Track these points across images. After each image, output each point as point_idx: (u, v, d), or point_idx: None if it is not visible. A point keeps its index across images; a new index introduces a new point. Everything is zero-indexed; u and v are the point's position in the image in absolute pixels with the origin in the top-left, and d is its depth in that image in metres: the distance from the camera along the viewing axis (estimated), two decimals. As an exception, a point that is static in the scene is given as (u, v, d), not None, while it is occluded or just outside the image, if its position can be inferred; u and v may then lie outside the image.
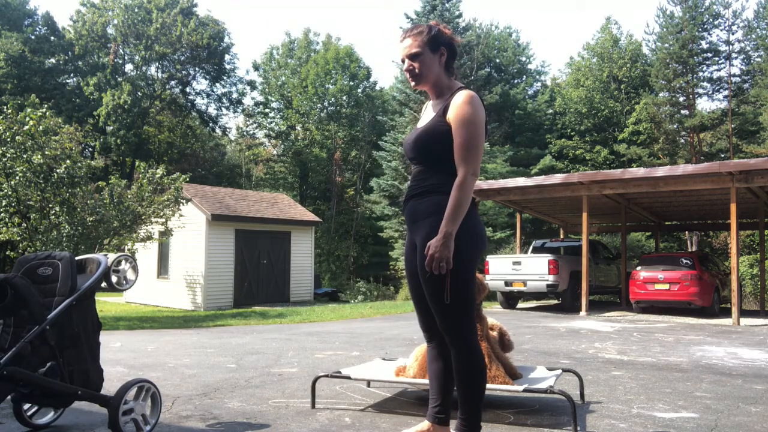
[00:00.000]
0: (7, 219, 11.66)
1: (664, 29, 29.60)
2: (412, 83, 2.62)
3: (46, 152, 11.14)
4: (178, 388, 4.26)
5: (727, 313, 11.90)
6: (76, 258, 3.12)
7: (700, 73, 29.51)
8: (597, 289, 14.69)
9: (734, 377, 4.98)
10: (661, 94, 29.85)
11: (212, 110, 38.27)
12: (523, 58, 36.27)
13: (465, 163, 2.44)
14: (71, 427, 3.21)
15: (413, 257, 2.65)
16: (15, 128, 10.96)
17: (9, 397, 2.77)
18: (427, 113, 2.71)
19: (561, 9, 71.92)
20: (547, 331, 8.71)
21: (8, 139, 10.90)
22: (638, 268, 12.76)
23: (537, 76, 37.45)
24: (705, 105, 49.80)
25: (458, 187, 2.41)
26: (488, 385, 2.90)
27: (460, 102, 2.49)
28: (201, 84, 54.55)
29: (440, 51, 2.57)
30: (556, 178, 13.20)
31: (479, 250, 2.53)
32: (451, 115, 2.49)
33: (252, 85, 38.24)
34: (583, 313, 12.07)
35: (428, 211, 2.51)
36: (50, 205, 11.39)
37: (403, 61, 2.60)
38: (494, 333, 3.83)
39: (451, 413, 2.77)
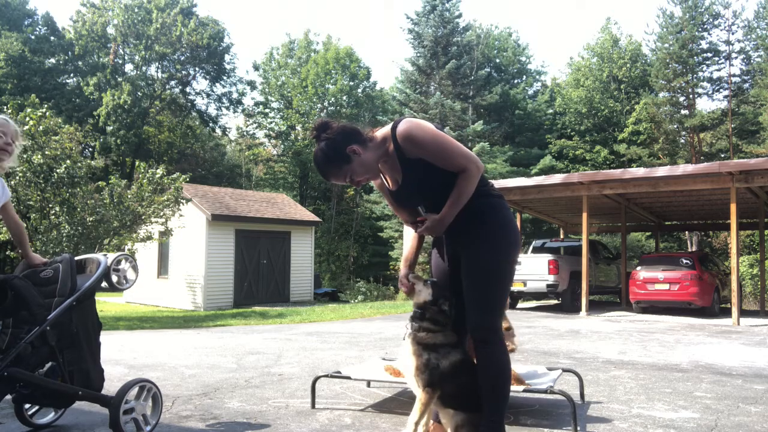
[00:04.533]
0: (7, 219, 11.64)
1: (664, 29, 29.60)
2: (376, 181, 2.70)
3: (46, 152, 11.14)
4: (178, 388, 4.26)
5: (727, 313, 11.90)
6: (76, 258, 3.12)
7: (700, 73, 29.52)
8: (597, 289, 14.68)
9: (734, 377, 4.98)
10: (661, 94, 29.86)
11: (212, 110, 38.32)
12: (523, 58, 36.28)
13: (465, 163, 2.46)
14: (72, 427, 3.21)
15: (443, 262, 2.75)
16: (15, 128, 10.95)
17: (10, 397, 2.77)
18: (391, 174, 2.63)
19: (561, 9, 71.96)
20: (547, 331, 8.71)
21: (8, 139, 10.88)
22: (638, 268, 12.76)
23: (537, 76, 37.48)
24: (705, 105, 49.87)
25: (465, 177, 2.45)
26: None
27: (406, 136, 2.45)
28: (201, 84, 54.73)
29: (351, 153, 2.46)
30: (556, 178, 13.20)
31: (514, 247, 2.57)
32: (414, 151, 2.47)
33: (252, 85, 38.26)
34: (583, 313, 12.07)
35: (473, 219, 2.54)
36: (50, 205, 11.39)
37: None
38: None
39: None
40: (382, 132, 2.57)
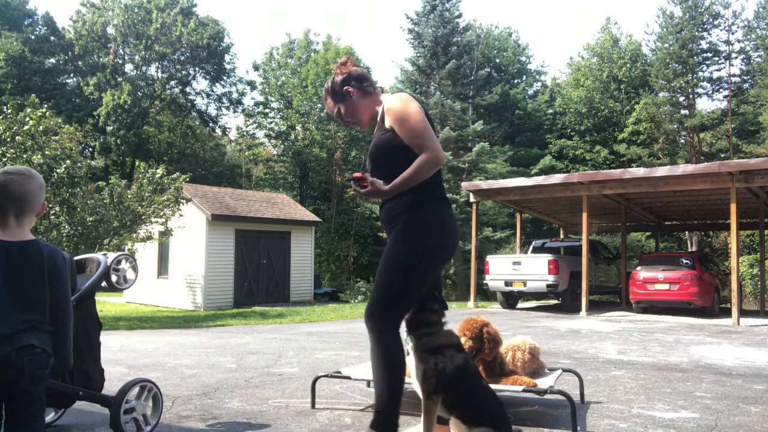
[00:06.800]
0: (7, 219, 11.62)
1: (664, 29, 29.61)
2: (356, 128, 2.84)
3: (46, 152, 11.13)
4: (178, 388, 4.26)
5: (727, 313, 11.91)
6: (76, 258, 3.12)
7: (700, 73, 29.53)
8: (597, 289, 14.68)
9: (734, 377, 4.98)
10: (661, 94, 29.86)
11: (212, 110, 38.30)
12: (523, 58, 36.29)
13: (424, 148, 2.47)
14: (72, 427, 3.21)
15: None
16: (15, 128, 10.95)
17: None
18: (375, 134, 2.79)
19: (561, 9, 71.95)
20: (547, 331, 8.71)
21: (8, 139, 10.89)
22: (638, 268, 12.76)
23: (537, 76, 37.48)
24: (705, 105, 49.81)
25: (418, 162, 2.46)
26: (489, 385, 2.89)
27: (389, 106, 2.60)
28: (201, 84, 54.69)
29: (345, 94, 2.73)
30: (556, 178, 13.21)
31: (433, 250, 2.49)
32: (389, 121, 2.58)
33: (252, 85, 38.25)
34: (583, 313, 12.07)
35: (402, 209, 2.54)
36: (50, 205, 11.39)
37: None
38: (514, 353, 3.73)
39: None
40: (385, 95, 2.74)
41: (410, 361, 2.62)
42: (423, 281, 2.52)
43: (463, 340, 3.26)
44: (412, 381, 2.63)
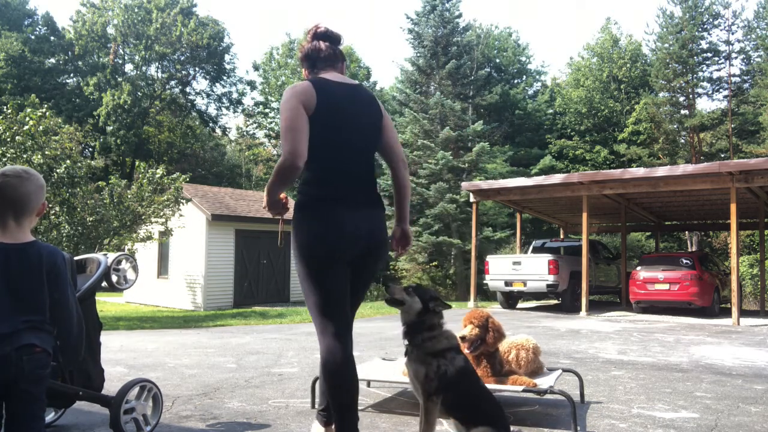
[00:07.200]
0: (7, 219, 11.62)
1: (664, 29, 29.62)
2: None
3: (46, 152, 11.13)
4: (178, 388, 4.26)
5: (727, 313, 11.90)
6: (76, 258, 3.12)
7: (700, 73, 29.53)
8: (597, 289, 14.68)
9: (734, 377, 4.98)
10: (661, 94, 29.87)
11: (212, 110, 38.33)
12: (523, 59, 36.27)
13: (283, 149, 2.36)
14: (72, 427, 3.21)
15: None
16: (15, 128, 10.95)
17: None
18: None
19: (561, 9, 71.95)
20: (547, 331, 8.71)
21: (8, 139, 10.89)
22: (638, 268, 12.76)
23: (537, 76, 37.46)
24: (705, 105, 49.84)
25: (276, 167, 2.40)
26: (489, 386, 2.90)
27: None
28: (201, 84, 54.66)
29: (304, 72, 2.67)
30: (556, 178, 13.22)
31: (308, 254, 2.50)
32: None
33: (252, 85, 38.27)
34: (583, 313, 12.06)
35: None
36: (50, 205, 11.39)
37: None
38: (511, 352, 3.73)
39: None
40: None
41: (407, 364, 2.61)
42: (321, 287, 2.41)
43: (469, 327, 3.32)
44: (411, 382, 2.63)
